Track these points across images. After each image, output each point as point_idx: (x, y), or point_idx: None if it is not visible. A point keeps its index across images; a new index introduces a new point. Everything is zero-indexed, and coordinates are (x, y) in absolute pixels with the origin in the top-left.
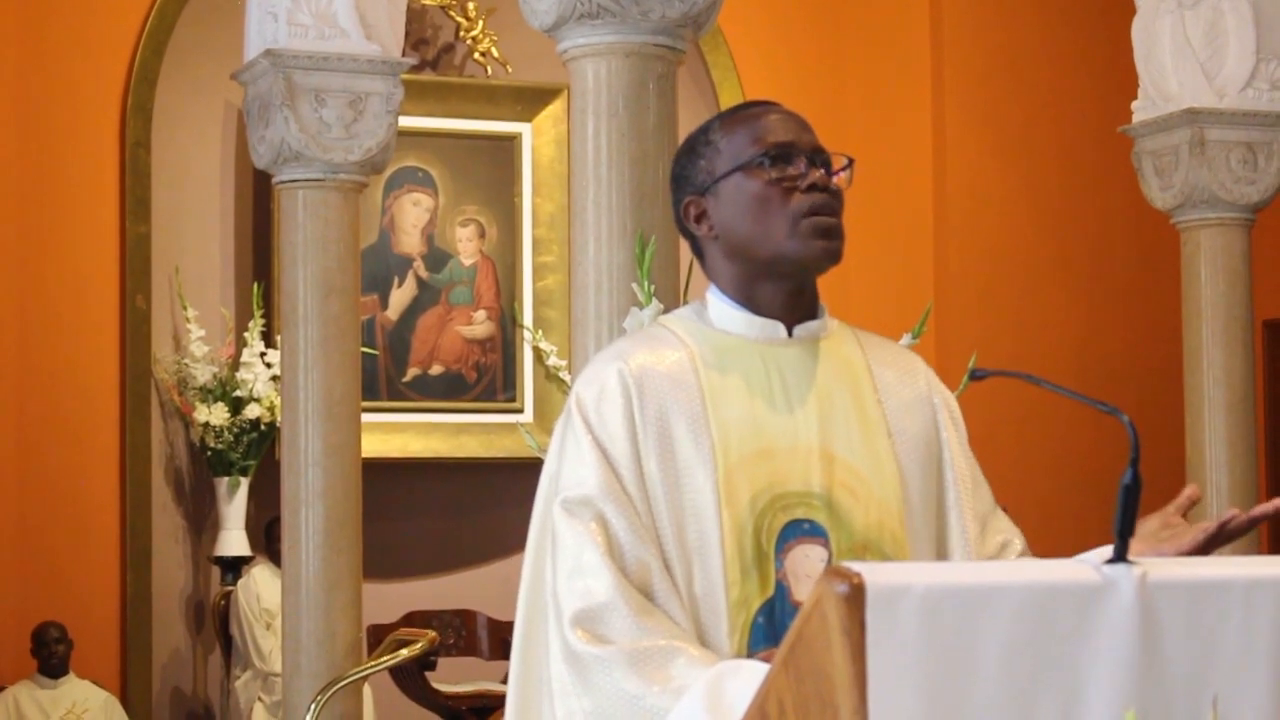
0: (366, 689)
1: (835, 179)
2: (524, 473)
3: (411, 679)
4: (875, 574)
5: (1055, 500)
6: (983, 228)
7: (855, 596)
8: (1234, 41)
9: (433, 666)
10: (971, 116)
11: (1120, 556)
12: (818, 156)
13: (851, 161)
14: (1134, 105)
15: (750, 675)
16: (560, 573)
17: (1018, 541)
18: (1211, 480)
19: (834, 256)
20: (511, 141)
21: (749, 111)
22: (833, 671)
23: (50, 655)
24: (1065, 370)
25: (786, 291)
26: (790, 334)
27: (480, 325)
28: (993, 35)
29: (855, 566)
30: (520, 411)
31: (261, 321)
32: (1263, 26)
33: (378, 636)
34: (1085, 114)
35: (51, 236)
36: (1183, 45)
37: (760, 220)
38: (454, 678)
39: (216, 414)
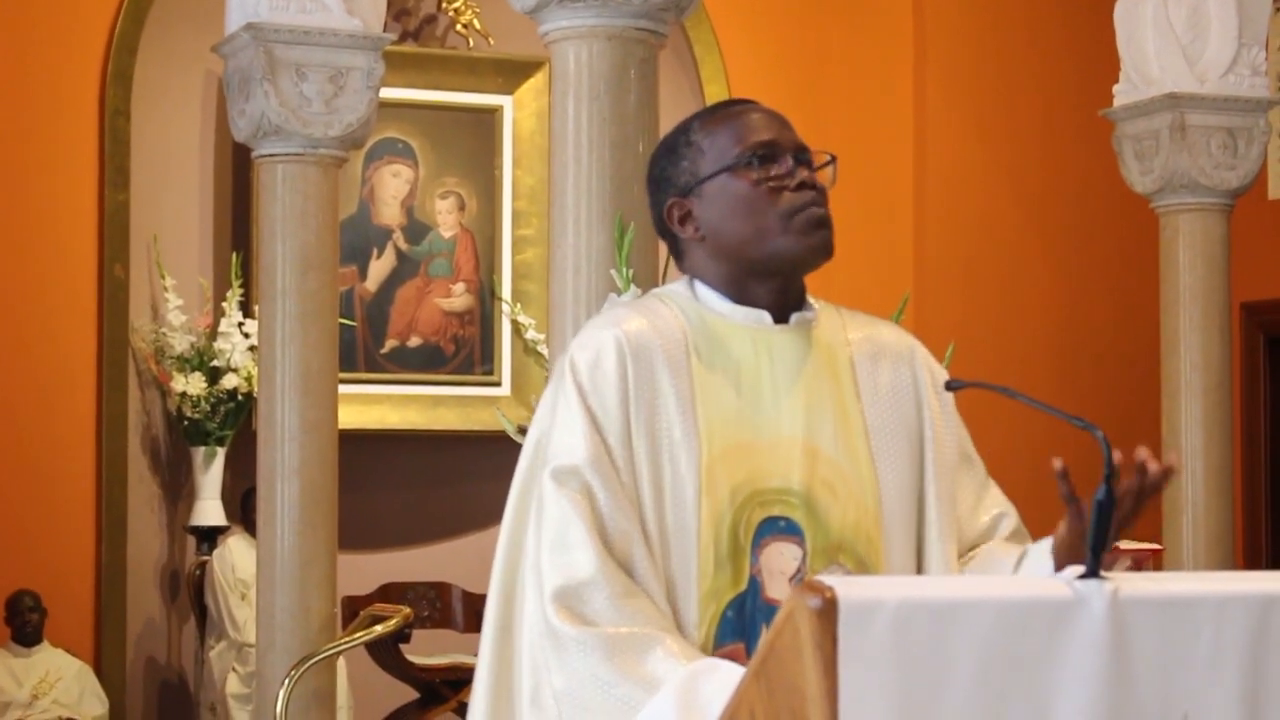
0: (340, 662)
1: (818, 174)
2: (501, 445)
3: (386, 652)
4: (848, 588)
5: (1035, 496)
6: (963, 210)
7: (828, 611)
8: (1216, 26)
9: (407, 639)
10: (953, 97)
11: (1093, 572)
12: (801, 154)
13: (834, 158)
14: (1115, 89)
15: (725, 677)
16: (544, 545)
17: (1012, 515)
18: (1188, 465)
19: (828, 251)
20: (492, 114)
21: (729, 110)
22: (804, 685)
23: (24, 624)
24: (1045, 353)
25: (775, 289)
26: (778, 321)
27: (459, 298)
28: (975, 17)
29: (828, 580)
30: (498, 385)
31: (240, 291)
32: (1245, 12)
33: (352, 609)
34: (1067, 97)
35: (30, 204)
36: (1165, 29)
37: (750, 220)
38: (428, 650)
39: (193, 383)
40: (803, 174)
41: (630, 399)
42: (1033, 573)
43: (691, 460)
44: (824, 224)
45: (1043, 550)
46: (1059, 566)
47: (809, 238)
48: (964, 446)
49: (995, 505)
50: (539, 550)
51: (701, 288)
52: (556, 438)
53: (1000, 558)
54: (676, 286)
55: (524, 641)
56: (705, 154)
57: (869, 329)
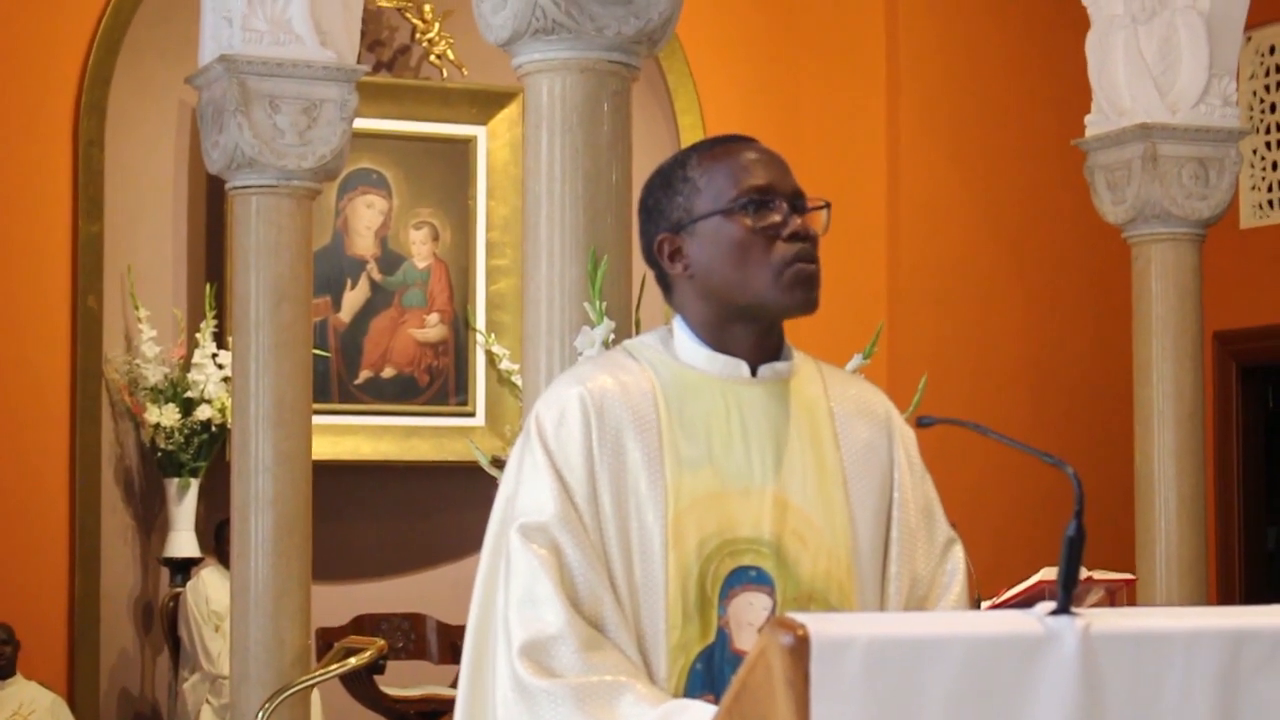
0: (315, 694)
1: (811, 217)
2: (475, 476)
3: (360, 684)
4: (820, 625)
5: (1009, 525)
6: (937, 240)
7: (800, 648)
8: (1187, 57)
9: (382, 670)
10: (927, 128)
11: (1063, 608)
12: (797, 200)
13: (828, 204)
14: (1087, 119)
15: (696, 716)
16: (512, 600)
17: (959, 584)
18: (1160, 494)
19: (812, 307)
20: (466, 144)
21: (728, 147)
22: None
23: None
24: (1019, 382)
25: (756, 334)
26: (754, 374)
27: (433, 328)
28: (948, 48)
29: (800, 618)
30: (472, 415)
31: (214, 323)
32: (1216, 43)
33: (327, 640)
34: (1040, 127)
35: (3, 235)
36: (1136, 60)
37: (740, 267)
38: (403, 681)
39: (167, 415)
40: (796, 223)
41: (595, 456)
42: None
43: (658, 514)
44: (812, 281)
45: None
46: None
47: (794, 293)
48: (929, 503)
49: (949, 573)
50: (507, 606)
51: (678, 334)
52: (524, 495)
53: None
54: (647, 338)
55: (496, 698)
56: (701, 192)
57: (848, 387)
